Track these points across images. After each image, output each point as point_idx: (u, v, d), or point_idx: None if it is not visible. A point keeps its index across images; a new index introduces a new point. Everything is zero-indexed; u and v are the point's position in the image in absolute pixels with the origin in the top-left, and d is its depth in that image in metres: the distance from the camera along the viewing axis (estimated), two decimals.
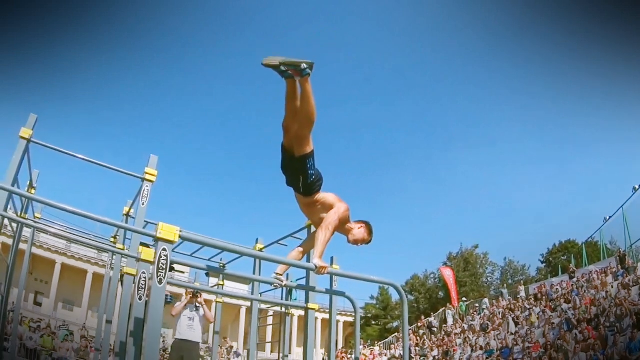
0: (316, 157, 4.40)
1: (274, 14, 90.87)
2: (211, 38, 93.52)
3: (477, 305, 28.84)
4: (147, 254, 4.72)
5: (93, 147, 75.56)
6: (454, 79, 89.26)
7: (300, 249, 4.96)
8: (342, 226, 4.61)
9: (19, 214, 8.85)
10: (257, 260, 8.81)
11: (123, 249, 7.99)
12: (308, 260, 4.83)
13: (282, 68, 3.83)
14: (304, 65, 3.80)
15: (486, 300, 28.52)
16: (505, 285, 29.10)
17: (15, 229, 9.18)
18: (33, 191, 8.95)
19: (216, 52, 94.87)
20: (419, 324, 30.97)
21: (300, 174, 4.35)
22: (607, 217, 27.68)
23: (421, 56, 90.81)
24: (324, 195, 4.59)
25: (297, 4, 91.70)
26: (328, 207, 4.54)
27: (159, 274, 3.62)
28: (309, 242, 4.98)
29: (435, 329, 28.95)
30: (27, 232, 11.48)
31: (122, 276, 7.06)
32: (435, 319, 31.20)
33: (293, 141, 4.26)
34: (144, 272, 4.76)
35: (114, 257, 8.91)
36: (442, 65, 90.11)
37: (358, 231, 4.76)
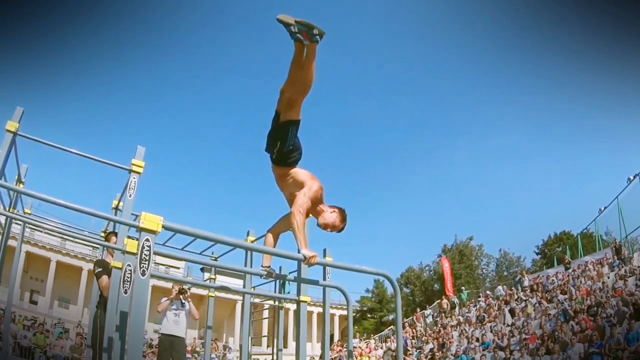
0: (304, 137, 4.39)
1: (274, 11, 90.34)
2: (204, 30, 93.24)
3: (488, 292, 28.46)
4: (132, 245, 4.61)
5: (81, 139, 75.39)
6: (452, 77, 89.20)
7: (272, 235, 4.86)
8: (313, 206, 4.45)
9: (7, 209, 8.72)
10: (249, 253, 8.72)
11: (106, 239, 7.89)
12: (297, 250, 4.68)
13: (294, 29, 3.78)
14: (315, 31, 3.79)
15: (500, 287, 28.21)
16: (523, 273, 28.63)
17: (3, 225, 9.05)
18: (21, 186, 8.81)
19: (208, 42, 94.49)
20: (415, 316, 30.98)
21: (279, 140, 4.30)
22: (602, 208, 27.72)
23: (422, 54, 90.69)
24: (297, 170, 4.51)
25: (297, 2, 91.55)
26: (299, 184, 4.43)
27: (142, 265, 3.50)
28: (281, 223, 4.81)
29: (444, 314, 28.92)
30: (18, 230, 11.34)
31: (111, 270, 6.95)
32: (432, 310, 31.25)
33: (283, 105, 4.22)
34: (129, 265, 4.64)
35: (104, 251, 8.80)
36: (441, 62, 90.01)
37: (329, 215, 4.55)
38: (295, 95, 4.15)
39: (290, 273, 8.47)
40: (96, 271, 7.23)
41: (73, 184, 76.50)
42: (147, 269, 3.51)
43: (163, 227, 3.68)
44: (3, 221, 9.04)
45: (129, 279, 4.66)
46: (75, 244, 41.11)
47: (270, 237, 4.83)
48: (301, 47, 3.93)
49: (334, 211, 4.58)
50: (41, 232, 36.58)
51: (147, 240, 3.57)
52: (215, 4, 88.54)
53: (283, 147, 4.30)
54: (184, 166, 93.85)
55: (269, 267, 4.83)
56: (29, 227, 16.89)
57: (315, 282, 6.10)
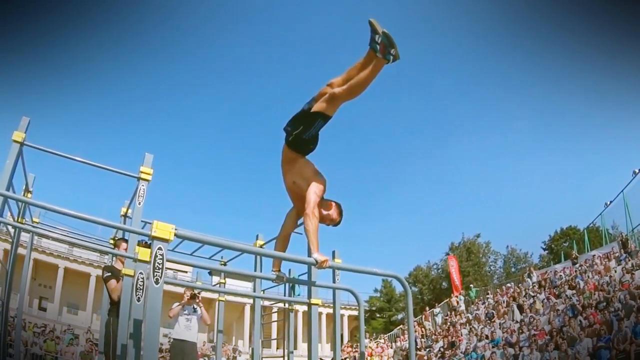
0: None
1: (275, 12, 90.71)
2: (207, 32, 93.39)
3: (509, 285, 28.13)
4: (144, 253, 4.63)
5: (88, 147, 75.45)
6: (454, 75, 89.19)
7: (282, 239, 4.76)
8: None
9: (16, 219, 8.76)
10: (259, 257, 8.73)
11: (114, 247, 7.92)
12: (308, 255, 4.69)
13: (377, 38, 3.86)
14: (392, 51, 3.84)
15: (529, 280, 27.64)
16: (531, 269, 28.29)
17: (13, 234, 9.11)
18: (29, 195, 8.86)
19: (212, 45, 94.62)
20: (424, 315, 30.94)
21: (303, 125, 4.27)
22: (608, 202, 27.60)
23: (424, 52, 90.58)
24: (306, 162, 4.51)
25: (297, 3, 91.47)
26: (304, 176, 4.43)
27: (155, 273, 3.53)
28: (289, 222, 4.77)
29: (453, 312, 28.79)
30: (26, 238, 11.43)
31: (122, 277, 6.97)
32: (441, 309, 31.18)
33: (323, 97, 4.21)
34: (141, 273, 4.67)
35: (114, 258, 8.83)
36: (444, 60, 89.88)
37: (329, 206, 4.55)
38: (341, 93, 4.13)
39: (300, 275, 8.49)
40: (105, 276, 7.24)
41: (81, 189, 76.82)
42: (160, 278, 3.54)
43: (175, 235, 3.71)
44: (12, 231, 9.10)
45: (141, 287, 4.69)
46: (83, 250, 41.22)
47: (280, 241, 4.76)
48: (373, 57, 3.98)
49: (331, 205, 4.59)
50: (49, 239, 36.64)
51: (160, 249, 3.59)
52: (216, 5, 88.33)
53: (303, 133, 4.28)
54: (189, 167, 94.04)
55: (279, 271, 4.82)
56: (37, 236, 16.98)
57: (326, 285, 6.12)
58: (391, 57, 3.85)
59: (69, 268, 44.71)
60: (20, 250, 9.52)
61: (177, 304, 8.71)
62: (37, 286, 42.27)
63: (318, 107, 4.20)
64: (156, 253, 3.58)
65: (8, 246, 24.05)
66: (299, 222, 4.81)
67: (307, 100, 4.33)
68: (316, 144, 4.46)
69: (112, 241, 9.28)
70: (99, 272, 42.83)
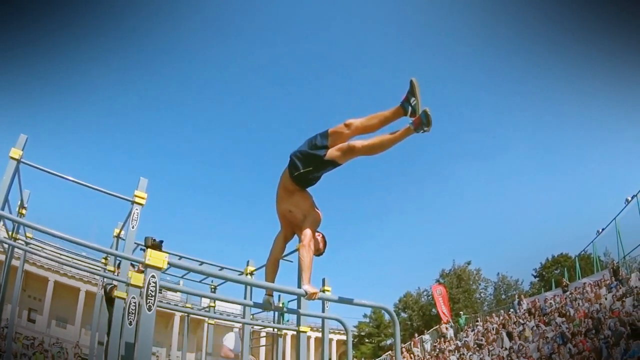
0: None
1: (266, 26, 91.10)
2: (204, 58, 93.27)
3: (510, 312, 27.99)
4: (137, 278, 4.69)
5: (87, 166, 75.10)
6: (446, 106, 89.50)
7: (272, 265, 4.73)
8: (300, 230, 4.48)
9: (10, 233, 8.82)
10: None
11: (114, 271, 7.97)
12: (299, 284, 4.75)
13: (413, 101, 3.97)
14: (426, 129, 3.96)
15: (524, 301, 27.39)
16: (522, 296, 28.12)
17: (6, 249, 9.16)
18: (24, 211, 8.94)
19: (207, 70, 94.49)
20: (413, 342, 30.84)
21: (312, 167, 4.30)
22: (600, 230, 27.67)
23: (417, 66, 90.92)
24: (305, 195, 4.54)
25: (297, 5, 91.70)
26: (301, 208, 4.49)
27: (148, 300, 3.60)
28: (278, 248, 4.74)
29: (443, 338, 28.71)
30: (19, 250, 11.47)
31: (113, 298, 7.01)
32: (430, 335, 31.10)
33: (340, 147, 4.23)
34: (133, 297, 4.72)
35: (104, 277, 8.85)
36: (434, 86, 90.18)
37: (315, 239, 4.55)
38: (360, 149, 4.19)
39: (289, 302, 8.52)
40: (108, 287, 7.30)
41: (75, 207, 76.24)
42: (153, 305, 3.61)
43: (168, 263, 3.78)
44: (6, 245, 9.15)
45: (133, 311, 4.74)
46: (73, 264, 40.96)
47: (270, 268, 4.76)
48: (400, 114, 4.06)
49: (319, 235, 4.67)
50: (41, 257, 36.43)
51: (153, 276, 3.66)
52: (213, 22, 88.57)
53: (310, 174, 4.33)
54: (182, 189, 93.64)
55: (271, 295, 4.85)
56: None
57: (315, 315, 6.17)
58: (420, 131, 3.96)
59: (59, 281, 44.37)
60: (12, 262, 9.58)
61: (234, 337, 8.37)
62: (26, 297, 41.88)
63: (332, 155, 4.23)
64: (149, 280, 3.65)
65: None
66: (292, 247, 4.87)
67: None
68: (318, 180, 4.53)
69: (104, 261, 9.34)
70: (89, 287, 42.82)
